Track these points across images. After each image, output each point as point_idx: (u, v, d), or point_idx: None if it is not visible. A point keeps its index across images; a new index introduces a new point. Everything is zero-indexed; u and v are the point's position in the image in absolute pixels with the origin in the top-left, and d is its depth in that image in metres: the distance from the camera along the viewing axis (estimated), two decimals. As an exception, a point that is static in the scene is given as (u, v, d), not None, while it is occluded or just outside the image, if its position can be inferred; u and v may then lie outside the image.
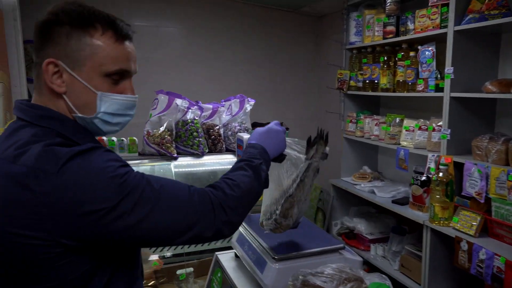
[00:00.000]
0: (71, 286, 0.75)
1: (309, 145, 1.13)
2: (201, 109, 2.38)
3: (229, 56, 3.32)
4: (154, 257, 2.26)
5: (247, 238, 1.47)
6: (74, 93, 0.80)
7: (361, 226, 2.60)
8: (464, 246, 1.76)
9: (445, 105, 1.98)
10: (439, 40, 2.13)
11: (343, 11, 2.86)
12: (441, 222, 1.92)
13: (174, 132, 2.23)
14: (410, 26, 2.28)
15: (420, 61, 2.20)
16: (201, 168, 2.41)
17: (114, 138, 2.23)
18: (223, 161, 2.45)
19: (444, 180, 1.88)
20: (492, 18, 1.75)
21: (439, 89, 2.07)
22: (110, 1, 2.88)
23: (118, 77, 0.83)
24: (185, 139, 2.25)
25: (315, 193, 3.26)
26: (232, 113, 2.45)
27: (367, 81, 2.64)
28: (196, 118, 2.31)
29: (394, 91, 2.45)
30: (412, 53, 2.26)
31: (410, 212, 2.16)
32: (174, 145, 2.22)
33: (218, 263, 1.61)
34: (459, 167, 1.93)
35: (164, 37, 3.12)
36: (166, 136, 2.18)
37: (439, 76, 2.11)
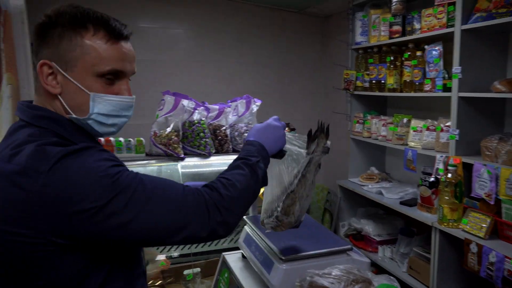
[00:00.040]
0: (67, 285, 0.76)
1: (310, 139, 1.10)
2: (207, 109, 2.38)
3: (236, 57, 3.32)
4: (161, 257, 2.26)
5: (254, 238, 1.46)
6: (68, 94, 0.81)
7: (368, 228, 2.59)
8: (473, 248, 1.74)
9: (453, 105, 1.96)
10: (446, 40, 2.11)
11: (348, 11, 2.85)
12: (450, 223, 1.90)
13: (180, 133, 2.23)
14: (417, 25, 2.26)
15: (427, 60, 2.18)
16: (208, 169, 2.41)
17: (122, 139, 2.24)
18: (230, 162, 2.44)
19: (453, 181, 1.86)
20: (500, 16, 1.74)
21: (446, 89, 2.05)
22: (117, 3, 2.90)
23: (113, 78, 0.83)
24: (192, 140, 2.26)
25: (322, 194, 3.25)
26: (238, 113, 2.45)
27: (374, 81, 2.63)
28: (203, 119, 2.31)
29: (401, 91, 2.43)
30: (419, 53, 2.25)
31: (418, 214, 2.14)
32: (181, 146, 2.22)
33: (225, 264, 1.61)
34: (468, 168, 1.91)
35: (171, 38, 3.13)
36: (173, 136, 2.18)
37: (446, 75, 2.09)
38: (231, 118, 2.45)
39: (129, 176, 0.76)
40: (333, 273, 1.11)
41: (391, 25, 2.44)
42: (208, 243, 2.55)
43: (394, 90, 2.46)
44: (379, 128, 2.63)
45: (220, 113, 2.43)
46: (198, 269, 2.29)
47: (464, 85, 1.93)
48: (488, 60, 1.97)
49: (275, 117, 1.08)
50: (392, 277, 1.20)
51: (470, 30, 1.88)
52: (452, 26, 1.95)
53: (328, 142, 1.13)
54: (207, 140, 2.28)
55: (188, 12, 3.14)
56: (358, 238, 2.69)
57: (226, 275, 1.59)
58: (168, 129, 2.20)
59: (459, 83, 1.93)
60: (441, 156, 2.04)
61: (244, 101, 2.48)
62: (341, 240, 1.42)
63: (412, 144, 2.31)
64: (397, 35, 2.40)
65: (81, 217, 0.70)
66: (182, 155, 2.21)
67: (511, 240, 1.72)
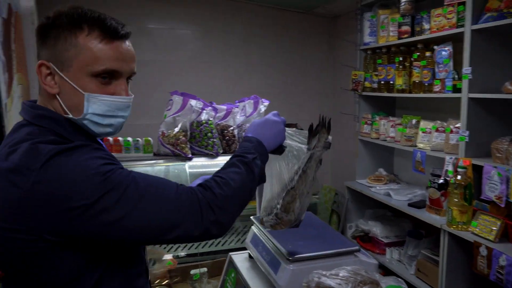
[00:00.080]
0: (62, 282, 0.76)
1: (311, 134, 1.07)
2: (215, 110, 2.39)
3: (244, 58, 3.33)
4: (168, 256, 2.27)
5: (261, 239, 1.46)
6: (65, 94, 0.82)
7: (376, 229, 2.57)
8: (483, 251, 1.71)
9: (463, 106, 1.94)
10: (455, 40, 2.09)
11: (356, 12, 2.84)
12: (459, 226, 1.88)
13: (188, 133, 2.24)
14: (426, 25, 2.24)
15: (436, 61, 2.16)
16: (215, 169, 2.40)
17: (130, 139, 2.26)
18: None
19: (463, 183, 1.84)
20: (511, 16, 1.71)
21: (456, 89, 2.03)
22: (125, 4, 2.93)
23: (109, 77, 0.82)
24: (200, 140, 2.27)
25: (329, 195, 3.24)
26: (246, 114, 2.45)
27: (382, 82, 2.61)
28: (211, 119, 2.31)
29: (410, 92, 2.41)
30: (428, 53, 2.23)
31: (427, 216, 2.12)
32: (188, 146, 2.23)
33: (232, 264, 1.61)
34: (478, 170, 1.88)
35: (179, 39, 3.15)
36: (180, 136, 2.19)
37: (456, 76, 2.07)
38: (239, 118, 2.45)
39: (122, 174, 0.76)
40: (341, 274, 1.10)
41: (400, 25, 2.42)
42: (215, 243, 2.56)
43: (403, 91, 2.44)
44: (387, 129, 2.61)
45: (228, 113, 2.43)
46: (205, 269, 2.29)
47: (474, 86, 1.90)
48: (499, 60, 1.94)
49: (274, 112, 1.06)
50: (400, 279, 1.19)
51: (480, 30, 1.85)
52: (462, 26, 1.93)
53: (330, 137, 1.09)
54: (214, 140, 2.29)
55: (195, 13, 3.16)
56: (366, 240, 2.67)
57: (233, 275, 1.59)
58: (176, 129, 2.21)
59: (469, 84, 1.90)
60: (451, 158, 2.02)
61: (252, 101, 2.48)
62: (349, 241, 1.41)
63: (421, 145, 2.29)
64: (406, 36, 2.39)
65: (72, 215, 0.71)
66: (190, 155, 2.22)
67: (522, 243, 1.69)
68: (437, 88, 2.15)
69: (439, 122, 2.20)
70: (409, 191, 2.46)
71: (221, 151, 2.33)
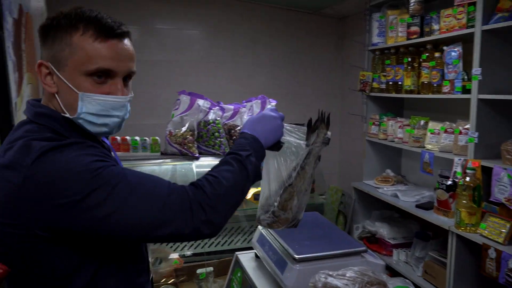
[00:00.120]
0: (56, 278, 0.78)
1: (310, 130, 1.04)
2: (222, 109, 2.39)
3: (251, 58, 3.33)
4: (174, 255, 2.28)
5: (268, 238, 1.46)
6: (62, 93, 0.83)
7: (383, 231, 2.55)
8: (492, 253, 1.70)
9: (473, 107, 1.92)
10: (465, 40, 2.07)
11: (365, 12, 2.83)
12: (468, 228, 1.86)
13: (196, 132, 2.25)
14: (435, 26, 2.22)
15: (445, 62, 2.14)
16: (222, 169, 2.42)
17: (137, 138, 2.27)
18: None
19: (471, 185, 1.82)
20: (523, 17, 1.70)
21: (466, 90, 2.01)
22: (134, 5, 2.95)
23: (104, 77, 0.82)
24: (207, 139, 2.27)
25: (336, 196, 3.23)
26: (253, 114, 2.45)
27: (390, 83, 2.59)
28: (218, 119, 2.32)
29: (418, 93, 2.40)
30: (437, 54, 2.21)
31: (434, 217, 2.11)
32: (195, 145, 2.23)
33: (238, 263, 1.62)
34: (487, 171, 1.86)
35: (187, 39, 3.16)
36: (188, 136, 2.20)
37: (466, 77, 2.05)
38: (246, 118, 2.45)
39: (113, 171, 0.76)
40: (347, 275, 1.10)
41: (408, 26, 2.41)
42: (221, 242, 2.56)
43: (411, 91, 2.42)
44: (395, 130, 2.59)
45: (235, 113, 2.43)
46: (211, 268, 2.30)
47: (484, 87, 1.88)
48: (510, 61, 1.92)
49: (271, 107, 1.05)
50: (407, 280, 1.19)
51: (491, 31, 1.84)
52: (472, 26, 1.91)
53: (329, 133, 1.06)
54: (221, 139, 2.29)
55: (203, 14, 3.17)
56: (372, 241, 2.66)
57: (239, 274, 1.59)
58: (183, 129, 2.22)
59: (479, 85, 1.89)
60: (459, 159, 2.00)
61: (259, 101, 2.48)
62: (356, 242, 1.41)
63: (429, 146, 2.27)
64: (415, 36, 2.37)
65: (61, 210, 0.72)
66: (197, 155, 2.23)
67: (531, 246, 1.67)
68: (446, 89, 2.14)
69: (447, 123, 2.18)
70: (416, 192, 2.45)
71: (228, 151, 2.33)
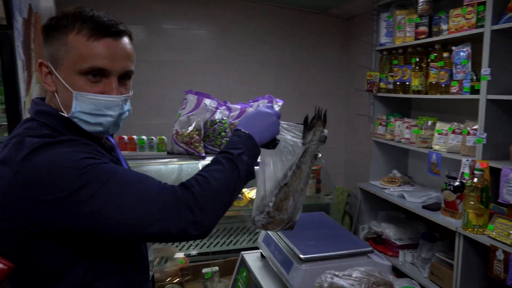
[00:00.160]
0: (48, 274, 0.79)
1: (306, 127, 1.01)
2: (229, 109, 2.40)
3: (258, 58, 3.33)
4: (180, 255, 2.29)
5: (274, 238, 1.46)
6: (60, 92, 0.84)
7: (389, 232, 2.54)
8: (500, 255, 1.68)
9: (481, 108, 1.90)
10: (474, 41, 2.05)
11: (373, 12, 2.81)
12: (475, 229, 1.84)
13: (202, 132, 2.25)
14: (444, 26, 2.21)
15: (454, 62, 2.12)
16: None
17: (144, 137, 2.29)
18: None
19: (479, 186, 1.81)
20: (533, 17, 1.68)
21: (474, 91, 1.99)
22: (140, 5, 2.96)
23: (99, 76, 0.82)
24: (213, 139, 2.28)
25: (342, 196, 3.22)
26: (259, 114, 2.45)
27: (398, 83, 2.58)
28: (224, 118, 2.32)
29: (426, 93, 2.38)
30: (445, 54, 2.19)
31: (441, 219, 2.09)
32: (202, 145, 2.24)
33: (243, 263, 1.62)
34: (495, 172, 1.85)
35: (194, 39, 3.17)
36: (194, 135, 2.20)
37: (474, 77, 2.04)
38: (252, 118, 2.45)
39: (103, 169, 0.76)
40: (354, 275, 1.09)
41: (417, 25, 2.39)
42: (227, 242, 2.57)
43: (419, 92, 2.41)
44: (402, 131, 2.58)
45: (242, 112, 2.44)
46: (217, 268, 2.30)
47: (493, 87, 1.87)
48: (519, 61, 1.91)
49: (267, 104, 1.04)
50: (413, 281, 1.18)
51: (501, 31, 1.82)
52: (482, 26, 1.90)
53: (325, 131, 1.02)
54: (228, 139, 2.29)
55: (210, 14, 3.18)
56: (378, 242, 2.65)
57: (244, 274, 1.59)
58: (190, 128, 2.22)
59: (488, 85, 1.87)
60: (467, 160, 1.98)
61: (266, 101, 2.48)
62: (362, 242, 1.41)
63: (436, 147, 2.25)
64: (423, 36, 2.35)
65: (47, 206, 0.72)
66: (203, 154, 2.23)
67: (540, 248, 1.65)
68: (454, 89, 2.12)
69: (455, 123, 2.16)
70: (423, 193, 2.43)
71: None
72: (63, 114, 0.83)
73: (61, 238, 0.77)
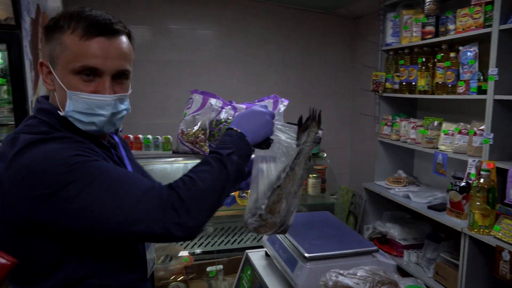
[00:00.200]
0: (38, 269, 0.80)
1: (300, 128, 0.99)
2: (234, 109, 2.40)
3: (264, 58, 3.34)
4: (184, 253, 2.30)
5: (278, 237, 1.46)
6: (57, 91, 0.86)
7: (394, 232, 2.53)
8: (506, 256, 1.67)
9: (488, 108, 1.89)
10: (482, 40, 2.04)
11: (379, 12, 2.81)
12: (481, 230, 1.83)
13: (207, 131, 2.26)
14: (451, 26, 2.20)
15: (461, 62, 2.11)
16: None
17: (150, 136, 2.30)
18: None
19: (486, 186, 1.80)
20: (541, 16, 1.66)
21: (481, 91, 1.98)
22: (146, 5, 2.97)
23: (92, 75, 0.82)
24: (219, 138, 2.28)
25: (347, 196, 3.21)
26: (265, 113, 2.45)
27: (404, 83, 2.57)
28: (230, 118, 2.33)
29: (432, 94, 2.37)
30: (452, 54, 2.18)
31: (447, 219, 2.08)
32: (207, 144, 2.25)
33: (248, 261, 1.62)
34: (502, 173, 1.83)
35: (199, 39, 3.18)
36: (200, 135, 2.21)
37: (481, 77, 2.02)
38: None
39: (92, 167, 0.76)
40: (358, 274, 1.09)
41: (423, 25, 2.38)
42: (231, 241, 2.57)
43: (425, 92, 2.40)
44: (408, 131, 2.57)
45: (247, 112, 2.44)
46: (221, 266, 2.31)
47: (500, 88, 1.86)
48: (527, 61, 1.89)
49: (262, 104, 1.03)
50: (418, 281, 1.18)
51: (509, 30, 1.81)
52: (490, 26, 1.89)
53: (320, 132, 0.99)
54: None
55: (216, 14, 3.18)
56: (383, 242, 2.64)
57: (249, 272, 1.59)
58: (195, 128, 2.23)
59: (495, 86, 1.86)
60: (474, 161, 1.97)
61: (272, 100, 2.48)
62: (367, 242, 1.40)
63: (442, 147, 2.24)
64: (430, 36, 2.34)
65: (35, 202, 0.74)
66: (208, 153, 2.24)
67: (547, 250, 1.64)
68: (461, 89, 2.11)
69: (462, 124, 2.15)
70: (429, 194, 2.42)
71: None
72: (60, 113, 0.85)
73: (50, 234, 0.78)
